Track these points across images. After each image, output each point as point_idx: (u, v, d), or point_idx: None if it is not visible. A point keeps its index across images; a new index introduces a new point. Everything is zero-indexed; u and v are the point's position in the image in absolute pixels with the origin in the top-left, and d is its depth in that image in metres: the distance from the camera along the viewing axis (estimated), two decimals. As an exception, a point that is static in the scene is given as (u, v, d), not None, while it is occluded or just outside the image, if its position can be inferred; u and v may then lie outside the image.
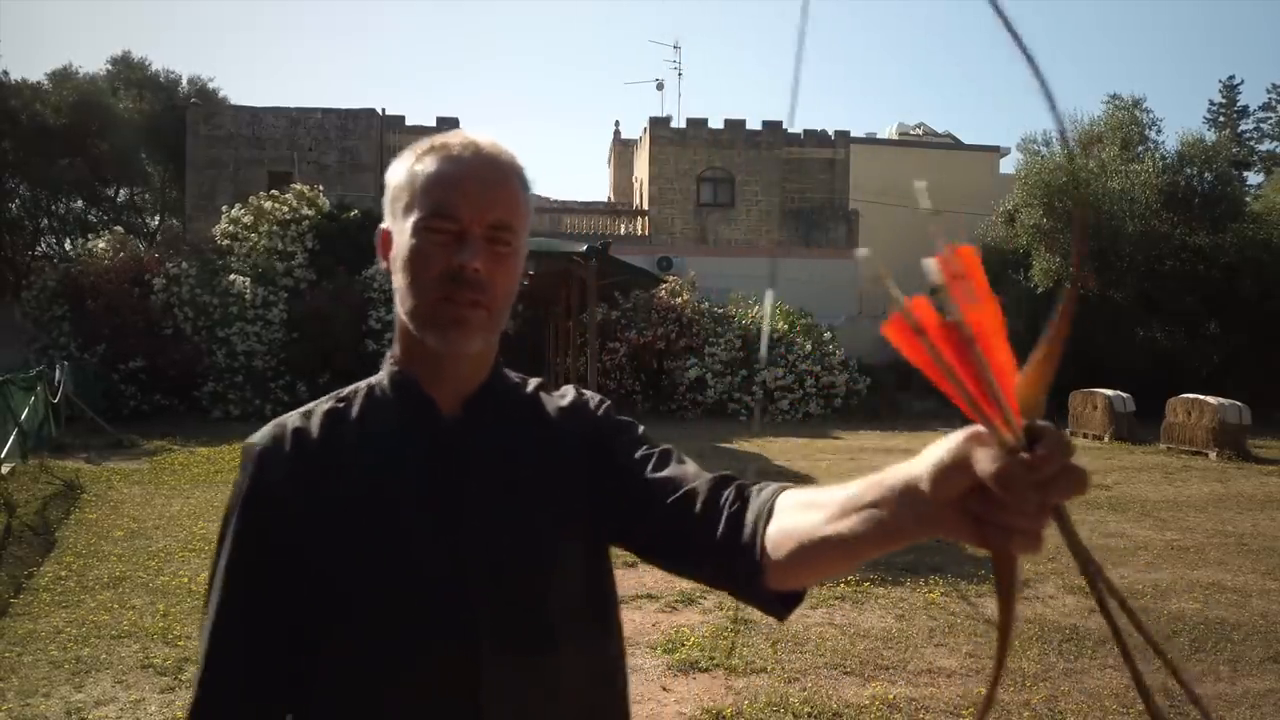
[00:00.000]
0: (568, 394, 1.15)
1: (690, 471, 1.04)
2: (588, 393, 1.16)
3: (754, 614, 5.46)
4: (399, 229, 1.02)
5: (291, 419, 1.05)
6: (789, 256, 25.82)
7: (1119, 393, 15.39)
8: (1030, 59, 0.64)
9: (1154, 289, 19.86)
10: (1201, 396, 13.80)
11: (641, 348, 18.47)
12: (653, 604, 5.69)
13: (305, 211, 17.90)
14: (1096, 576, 0.64)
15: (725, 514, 0.95)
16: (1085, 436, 15.52)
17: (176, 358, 16.60)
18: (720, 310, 19.44)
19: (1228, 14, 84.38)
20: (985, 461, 0.63)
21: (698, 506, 0.98)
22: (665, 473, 1.03)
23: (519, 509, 1.02)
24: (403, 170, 1.04)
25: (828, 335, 19.59)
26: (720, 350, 18.77)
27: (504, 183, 1.02)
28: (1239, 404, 13.40)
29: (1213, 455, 13.04)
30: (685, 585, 6.12)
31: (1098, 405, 15.54)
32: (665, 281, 18.76)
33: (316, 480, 1.00)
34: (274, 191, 18.46)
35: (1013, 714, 4.09)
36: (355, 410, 1.05)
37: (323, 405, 1.06)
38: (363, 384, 1.09)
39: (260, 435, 1.04)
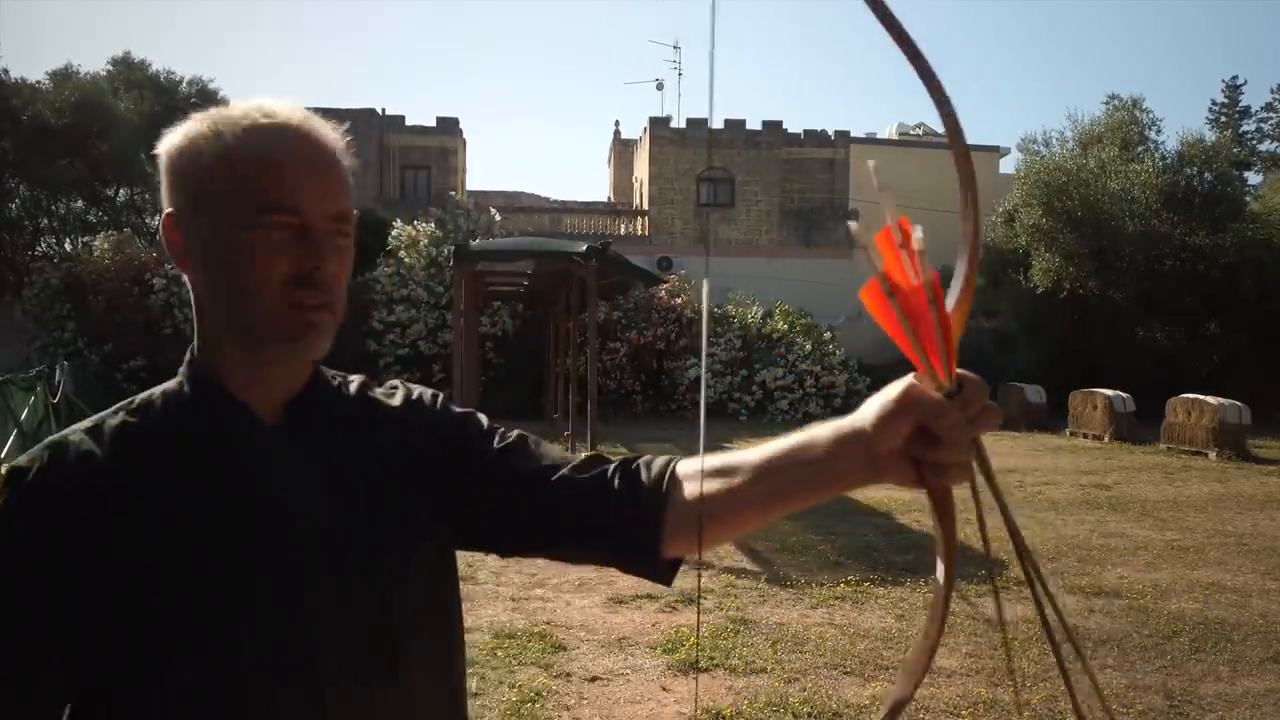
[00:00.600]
0: (398, 391, 1.05)
1: (556, 454, 1.01)
2: (417, 387, 1.07)
3: (754, 614, 5.47)
4: (211, 219, 0.87)
5: (73, 437, 0.88)
6: (789, 256, 25.84)
7: (1119, 393, 15.40)
8: (916, 52, 0.74)
9: (1154, 289, 19.86)
10: (1201, 396, 13.81)
11: (641, 348, 18.48)
12: (653, 604, 5.69)
13: None
14: (1011, 519, 0.81)
15: (616, 491, 0.96)
16: (1085, 436, 15.52)
17: (176, 357, 16.49)
18: (720, 310, 19.45)
19: (1230, 14, 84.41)
20: (927, 405, 0.75)
21: (580, 488, 0.97)
22: (531, 461, 1.00)
23: (356, 522, 0.92)
24: (208, 148, 0.88)
25: (827, 335, 19.59)
26: (720, 350, 18.77)
27: (338, 166, 0.90)
28: (1239, 404, 13.40)
29: (1213, 455, 13.04)
30: (684, 585, 6.11)
31: (1098, 405, 15.54)
32: (665, 281, 18.77)
33: (113, 510, 0.84)
34: None
35: (1012, 714, 4.09)
36: (154, 423, 0.90)
37: (111, 420, 0.90)
38: (156, 391, 0.94)
39: (30, 457, 0.86)
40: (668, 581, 0.98)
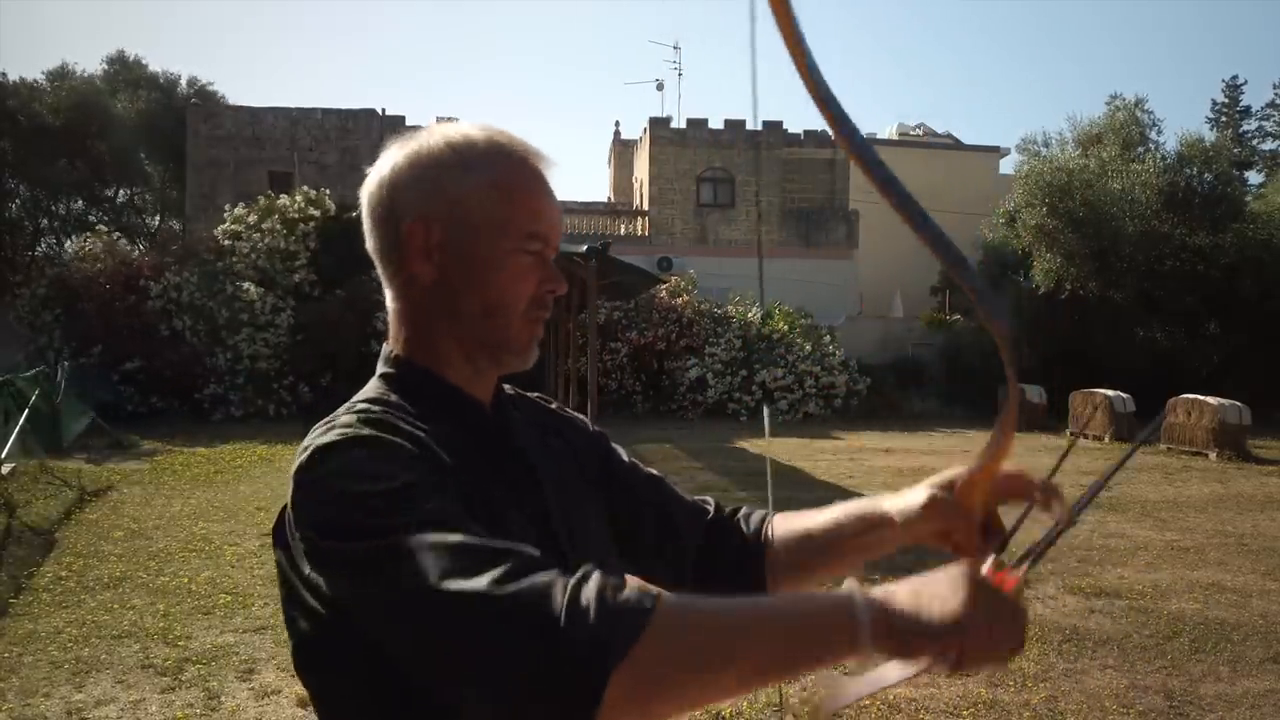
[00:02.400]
0: (553, 403, 1.15)
1: (684, 494, 1.16)
2: (568, 410, 1.17)
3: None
4: (473, 239, 0.92)
5: (367, 412, 0.89)
6: (789, 256, 25.83)
7: (1119, 393, 15.39)
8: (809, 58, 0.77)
9: (1154, 289, 19.85)
10: (1201, 397, 13.80)
11: (642, 348, 18.47)
12: (653, 604, 5.68)
13: (311, 212, 17.86)
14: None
15: (731, 535, 1.11)
16: (1085, 437, 15.51)
17: (174, 359, 16.54)
18: (720, 310, 19.45)
19: (1230, 14, 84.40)
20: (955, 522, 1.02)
21: (724, 527, 1.12)
22: (676, 495, 1.13)
23: (585, 513, 1.02)
24: (475, 164, 0.94)
25: (827, 336, 19.58)
26: (720, 350, 18.77)
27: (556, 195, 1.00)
28: (1239, 404, 13.40)
29: (1213, 455, 13.04)
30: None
31: (1098, 405, 15.53)
32: (664, 282, 18.77)
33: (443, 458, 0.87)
34: (280, 194, 18.39)
35: (1013, 714, 4.09)
36: (411, 413, 0.92)
37: (374, 409, 0.90)
38: (374, 389, 0.96)
39: (349, 419, 0.87)
40: None
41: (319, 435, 0.87)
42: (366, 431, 0.85)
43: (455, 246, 0.93)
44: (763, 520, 1.11)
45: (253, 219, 17.68)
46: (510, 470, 0.95)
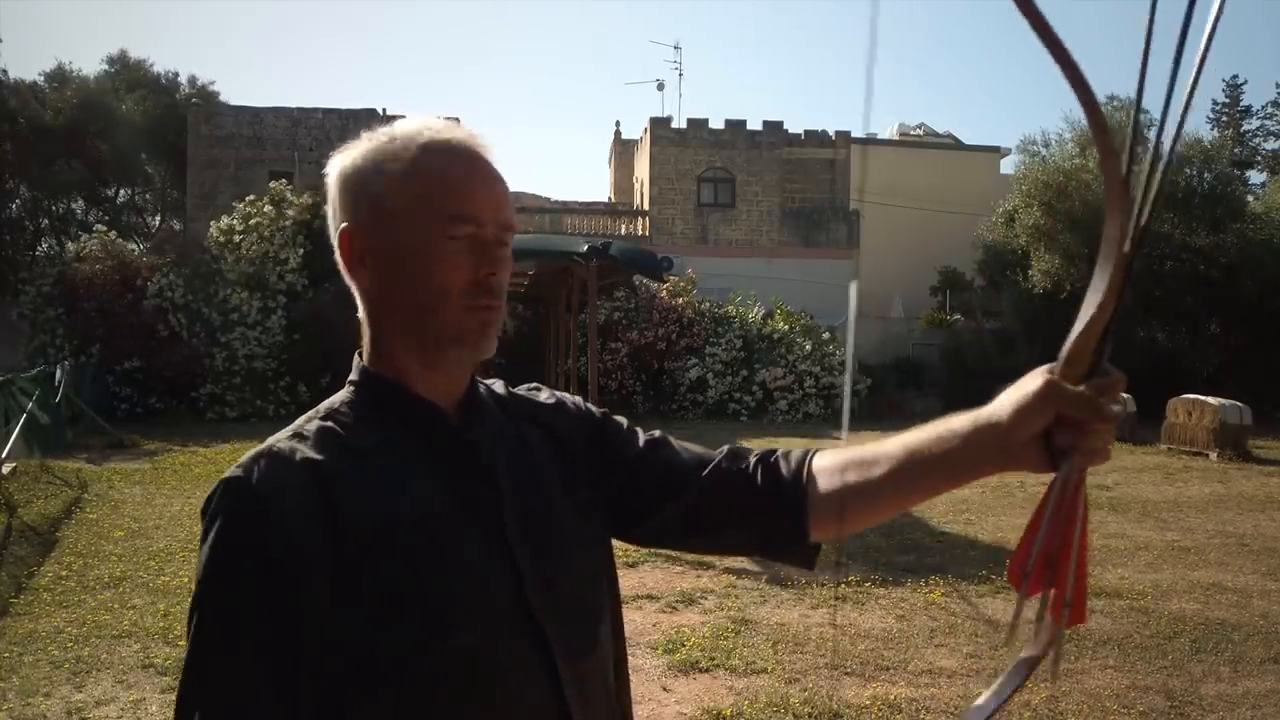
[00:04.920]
0: (542, 391, 1.11)
1: (698, 449, 1.09)
2: (559, 392, 1.13)
3: (755, 614, 5.46)
4: (393, 232, 0.92)
5: (281, 444, 0.88)
6: (789, 256, 25.84)
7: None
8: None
9: (1154, 289, 19.86)
10: (1202, 397, 13.79)
11: (642, 348, 18.47)
12: (653, 604, 5.69)
13: (289, 211, 17.76)
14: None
15: (759, 484, 1.02)
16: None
17: (173, 359, 16.56)
18: (720, 310, 19.45)
19: (1230, 14, 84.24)
20: (1069, 397, 0.81)
21: (726, 479, 1.04)
22: (676, 454, 1.08)
23: (550, 514, 0.98)
24: (387, 163, 0.93)
25: (827, 336, 19.58)
26: (721, 350, 18.77)
27: (503, 180, 0.96)
28: (1240, 404, 13.39)
29: (1214, 456, 13.04)
30: (685, 585, 6.12)
31: (1098, 405, 15.53)
32: (665, 282, 18.76)
33: (344, 506, 0.85)
34: (251, 197, 18.26)
35: (1013, 714, 4.09)
36: (354, 428, 0.92)
37: (310, 426, 0.92)
38: (339, 398, 0.97)
39: (244, 467, 0.86)
40: (811, 565, 1.05)
41: (248, 454, 0.88)
42: (242, 509, 0.84)
43: (382, 245, 0.93)
44: (804, 458, 1.02)
45: (239, 225, 17.60)
46: (467, 482, 0.94)
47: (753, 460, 1.05)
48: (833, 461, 1.00)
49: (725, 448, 1.08)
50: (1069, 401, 0.80)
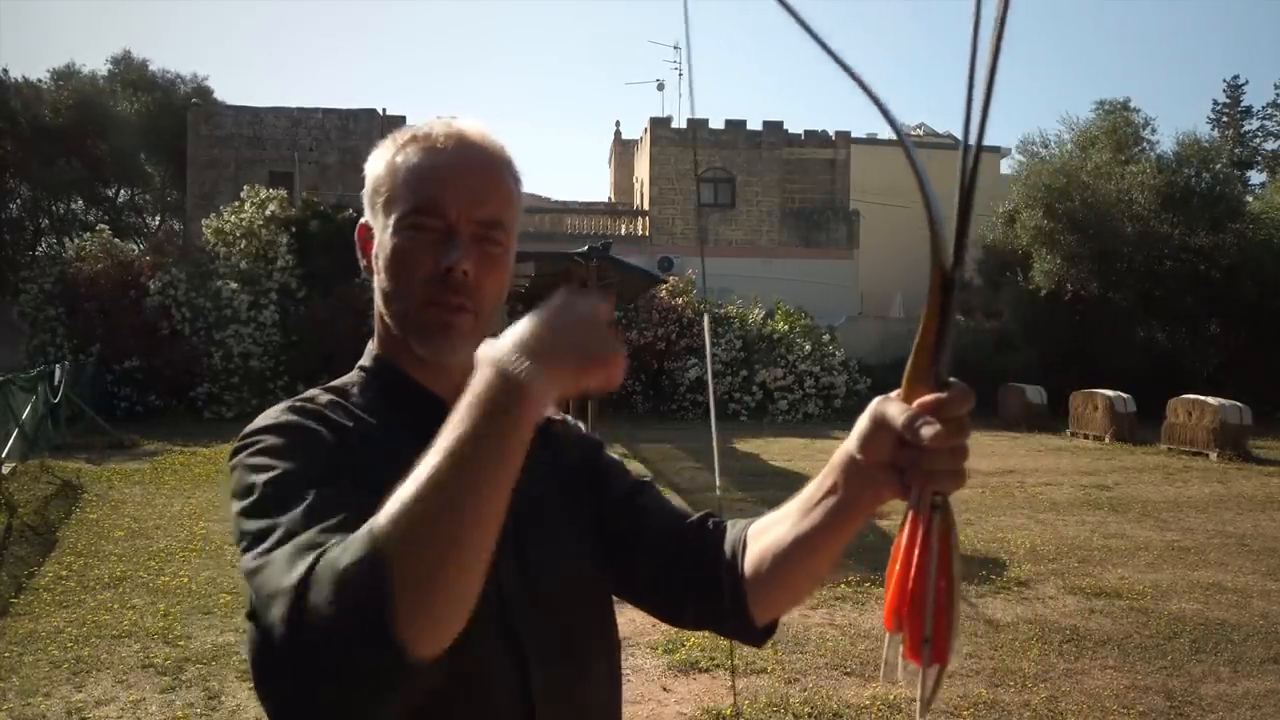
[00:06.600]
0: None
1: (672, 508, 1.07)
2: (557, 414, 1.10)
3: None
4: (380, 225, 0.94)
5: (298, 400, 0.94)
6: (789, 257, 25.82)
7: (1119, 393, 15.39)
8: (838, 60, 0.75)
9: (1154, 289, 19.86)
10: (1202, 397, 13.80)
11: (642, 348, 18.47)
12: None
13: (269, 209, 17.85)
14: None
15: (707, 552, 0.99)
16: (1086, 437, 15.51)
17: (174, 358, 16.59)
18: (720, 310, 19.45)
19: (1230, 14, 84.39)
20: (895, 415, 0.74)
21: (684, 544, 1.01)
22: (659, 505, 1.06)
23: (540, 520, 0.96)
24: (381, 162, 0.95)
25: (827, 336, 19.57)
26: (720, 351, 18.77)
27: (494, 176, 0.94)
28: (1240, 404, 13.39)
29: (1213, 456, 13.03)
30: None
31: (1098, 406, 15.53)
32: (664, 282, 18.77)
33: (353, 457, 0.87)
34: (238, 200, 18.38)
35: (1013, 714, 4.09)
36: (357, 401, 0.95)
37: (321, 395, 0.95)
38: (351, 378, 0.99)
39: (286, 404, 0.93)
40: (759, 644, 1.01)
41: (256, 420, 0.91)
42: (285, 419, 0.88)
43: (374, 236, 0.96)
44: (742, 531, 1.00)
45: (227, 227, 17.74)
46: None
47: (709, 532, 1.02)
48: (755, 529, 0.97)
49: (699, 515, 1.06)
50: (891, 419, 0.75)
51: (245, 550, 0.79)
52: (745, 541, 0.97)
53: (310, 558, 0.70)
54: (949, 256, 0.73)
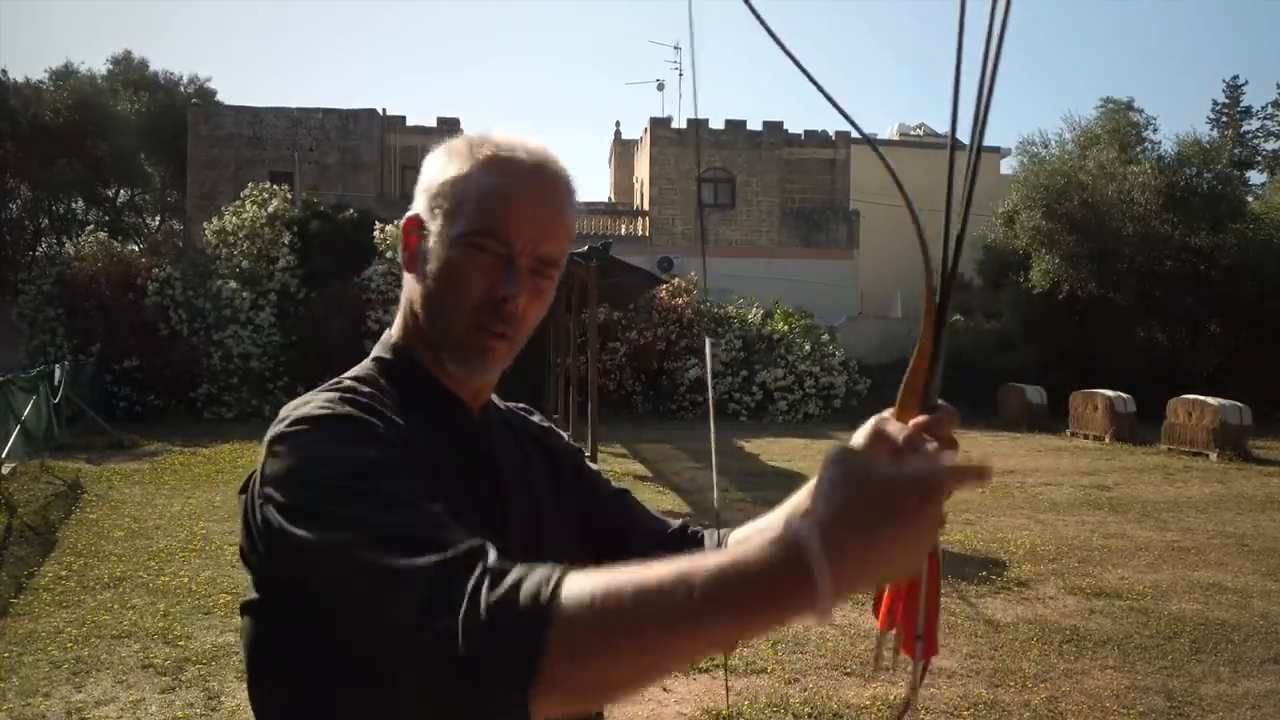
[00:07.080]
0: (535, 415, 1.14)
1: (652, 515, 1.12)
2: (546, 420, 1.16)
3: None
4: (436, 230, 0.92)
5: (342, 389, 0.91)
6: (789, 257, 25.82)
7: (1119, 393, 15.39)
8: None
9: (1154, 289, 19.86)
10: (1202, 397, 13.80)
11: (642, 348, 18.47)
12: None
13: (269, 208, 17.85)
14: None
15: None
16: (1086, 437, 15.51)
17: (173, 358, 16.59)
18: (720, 310, 19.45)
19: (1231, 14, 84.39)
20: (898, 431, 0.76)
21: (665, 548, 1.03)
22: (637, 511, 1.11)
23: (546, 526, 1.00)
24: (454, 168, 0.93)
25: (826, 336, 19.57)
26: (720, 351, 18.77)
27: (561, 211, 0.93)
28: (1240, 405, 13.39)
29: (1214, 456, 13.03)
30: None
31: (1098, 406, 15.53)
32: (665, 282, 18.77)
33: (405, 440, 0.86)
34: (239, 201, 18.38)
35: (1013, 714, 4.09)
36: (388, 394, 0.93)
37: (360, 387, 0.93)
38: (369, 371, 0.96)
39: (344, 391, 0.89)
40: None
41: (298, 406, 0.87)
42: (345, 410, 0.86)
43: (425, 241, 0.94)
44: (725, 535, 1.05)
45: (230, 226, 17.74)
46: (478, 476, 0.95)
47: (693, 534, 1.08)
48: (736, 535, 1.01)
49: (679, 524, 1.11)
50: (892, 434, 0.75)
51: (317, 527, 0.76)
52: (726, 544, 1.00)
53: (474, 576, 0.68)
54: (938, 286, 0.76)
